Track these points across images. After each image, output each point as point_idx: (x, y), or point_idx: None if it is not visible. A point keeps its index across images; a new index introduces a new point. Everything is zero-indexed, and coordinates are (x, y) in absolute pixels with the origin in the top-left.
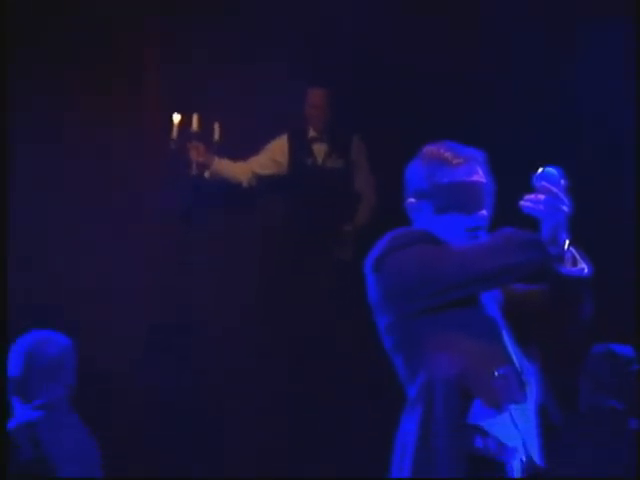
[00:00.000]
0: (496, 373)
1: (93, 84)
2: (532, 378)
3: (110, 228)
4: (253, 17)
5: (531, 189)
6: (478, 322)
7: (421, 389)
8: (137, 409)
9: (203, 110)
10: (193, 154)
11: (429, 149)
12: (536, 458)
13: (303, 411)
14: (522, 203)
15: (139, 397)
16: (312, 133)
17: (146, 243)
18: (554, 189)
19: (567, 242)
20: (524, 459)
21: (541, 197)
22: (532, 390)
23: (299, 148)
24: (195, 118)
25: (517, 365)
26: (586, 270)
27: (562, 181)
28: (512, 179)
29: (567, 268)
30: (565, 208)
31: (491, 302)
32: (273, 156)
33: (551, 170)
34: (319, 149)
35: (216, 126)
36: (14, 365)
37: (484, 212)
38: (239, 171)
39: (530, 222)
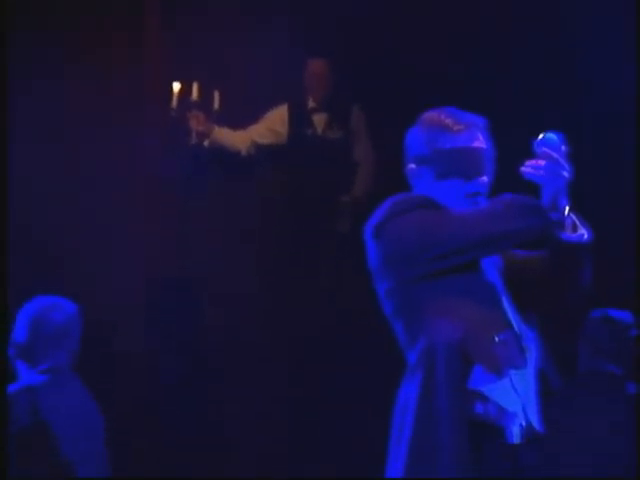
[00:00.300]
0: (496, 338)
1: (93, 53)
2: (532, 344)
3: (110, 197)
4: None
5: (532, 155)
6: (478, 288)
7: (421, 355)
8: (133, 409)
9: (203, 79)
10: (193, 123)
11: (430, 115)
12: (535, 423)
13: (303, 410)
14: (523, 169)
15: (136, 396)
16: (312, 104)
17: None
18: (555, 155)
19: (567, 208)
20: (524, 424)
21: (542, 163)
22: (532, 356)
23: (299, 118)
24: (195, 87)
25: (517, 331)
26: (586, 236)
27: (563, 147)
28: (513, 145)
29: (567, 234)
30: (566, 174)
31: (491, 268)
32: (273, 126)
33: (552, 136)
34: (319, 119)
35: (216, 95)
36: (20, 330)
37: (485, 178)
38: (238, 140)
39: (531, 188)
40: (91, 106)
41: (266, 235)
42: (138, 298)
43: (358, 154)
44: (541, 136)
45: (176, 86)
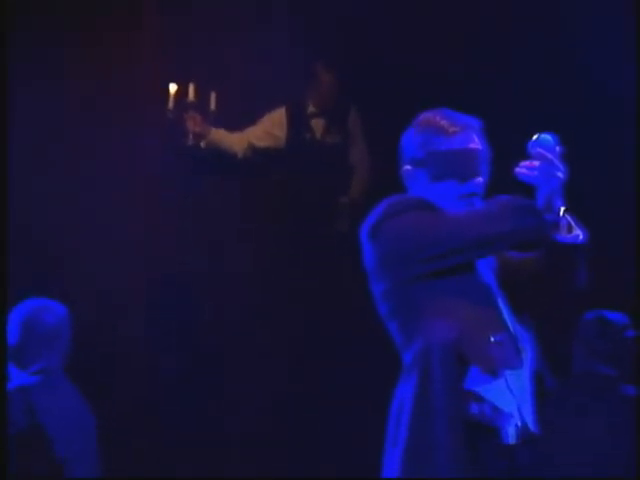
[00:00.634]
0: (492, 339)
1: (92, 53)
2: (527, 344)
3: (110, 197)
4: None
5: (526, 156)
6: (474, 289)
7: (417, 355)
8: (133, 409)
9: (201, 80)
10: (190, 124)
11: (425, 117)
12: (531, 424)
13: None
14: (517, 170)
15: (136, 396)
16: (312, 108)
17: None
18: (549, 155)
19: (562, 209)
20: (519, 425)
21: (536, 164)
22: (527, 356)
23: (298, 122)
24: (192, 88)
25: (512, 331)
26: (581, 237)
27: (557, 148)
28: (512, 144)
29: (562, 235)
30: (560, 175)
31: (486, 269)
32: (271, 129)
33: (546, 137)
34: (317, 124)
35: (212, 96)
36: (12, 333)
37: (480, 179)
38: (235, 142)
39: (525, 189)
40: (91, 106)
41: (265, 234)
42: (138, 298)
43: (354, 157)
44: (535, 137)
45: (173, 87)
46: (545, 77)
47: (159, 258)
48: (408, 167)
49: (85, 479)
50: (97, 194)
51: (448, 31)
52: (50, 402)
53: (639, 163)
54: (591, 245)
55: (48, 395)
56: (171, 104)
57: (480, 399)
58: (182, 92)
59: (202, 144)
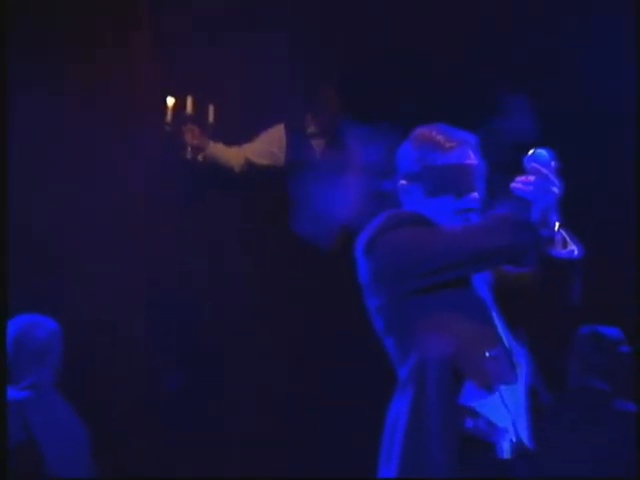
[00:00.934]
0: (487, 354)
1: (92, 53)
2: (522, 359)
3: (110, 197)
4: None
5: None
6: (469, 304)
7: (412, 370)
8: (133, 409)
9: (198, 93)
10: (188, 137)
11: (421, 132)
12: (525, 439)
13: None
14: (512, 185)
15: (136, 396)
16: (312, 128)
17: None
18: (544, 171)
19: (557, 224)
20: (514, 440)
21: (531, 179)
22: (522, 371)
23: (297, 143)
24: (190, 101)
25: (507, 346)
26: (576, 252)
27: (552, 163)
28: (503, 161)
29: (557, 250)
30: (555, 190)
31: (482, 284)
32: (269, 146)
33: (541, 152)
34: (318, 145)
35: (210, 109)
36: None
37: (475, 195)
38: (232, 156)
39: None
40: (91, 106)
41: (266, 234)
42: (138, 298)
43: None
44: (531, 152)
45: (170, 100)
46: (545, 77)
47: (159, 258)
48: (403, 182)
49: None
50: (97, 194)
51: (448, 31)
52: (41, 417)
53: (639, 163)
54: (591, 245)
55: (39, 410)
56: (169, 117)
57: (475, 414)
58: (180, 105)
59: (200, 157)
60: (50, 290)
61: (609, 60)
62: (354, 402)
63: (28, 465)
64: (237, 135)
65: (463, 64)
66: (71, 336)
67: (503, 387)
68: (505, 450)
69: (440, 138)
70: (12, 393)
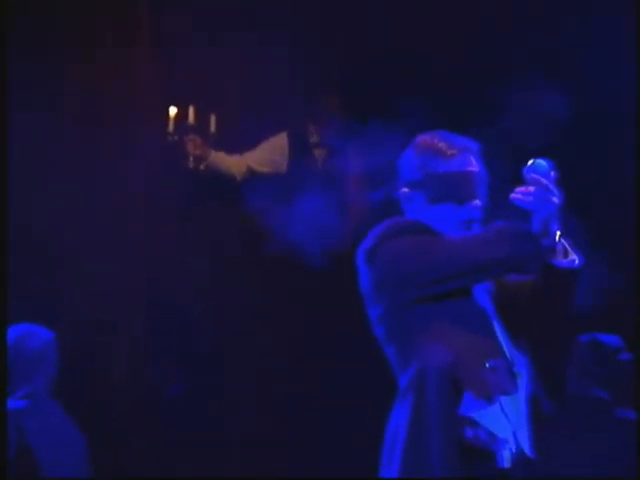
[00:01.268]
0: (487, 365)
1: (92, 53)
2: (523, 369)
3: (110, 197)
4: (253, 9)
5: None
6: (470, 313)
7: (412, 379)
8: (133, 409)
9: (198, 93)
10: (190, 147)
11: (423, 139)
12: (526, 449)
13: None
14: (512, 196)
15: (136, 396)
16: (315, 138)
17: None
18: (544, 181)
19: (558, 234)
20: (514, 449)
21: (531, 189)
22: (523, 381)
23: (300, 151)
24: (192, 110)
25: (508, 356)
26: (577, 261)
27: (552, 173)
28: (504, 171)
29: (558, 260)
30: (555, 200)
31: (483, 293)
32: (271, 155)
33: (541, 162)
34: (320, 153)
35: (212, 118)
36: None
37: (477, 202)
38: (234, 165)
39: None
40: (91, 106)
41: (265, 234)
42: (138, 298)
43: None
44: (530, 162)
45: (173, 110)
46: (545, 77)
47: (159, 258)
48: (405, 189)
49: None
50: (97, 194)
51: (448, 31)
52: (38, 426)
53: (639, 163)
54: (591, 245)
55: (36, 419)
56: (171, 127)
57: (475, 424)
58: (182, 115)
59: (202, 166)
60: (50, 290)
61: (609, 60)
62: (354, 402)
63: (25, 474)
64: (237, 135)
65: (463, 64)
66: (71, 336)
67: (503, 397)
68: (505, 459)
69: (442, 145)
70: (8, 403)
